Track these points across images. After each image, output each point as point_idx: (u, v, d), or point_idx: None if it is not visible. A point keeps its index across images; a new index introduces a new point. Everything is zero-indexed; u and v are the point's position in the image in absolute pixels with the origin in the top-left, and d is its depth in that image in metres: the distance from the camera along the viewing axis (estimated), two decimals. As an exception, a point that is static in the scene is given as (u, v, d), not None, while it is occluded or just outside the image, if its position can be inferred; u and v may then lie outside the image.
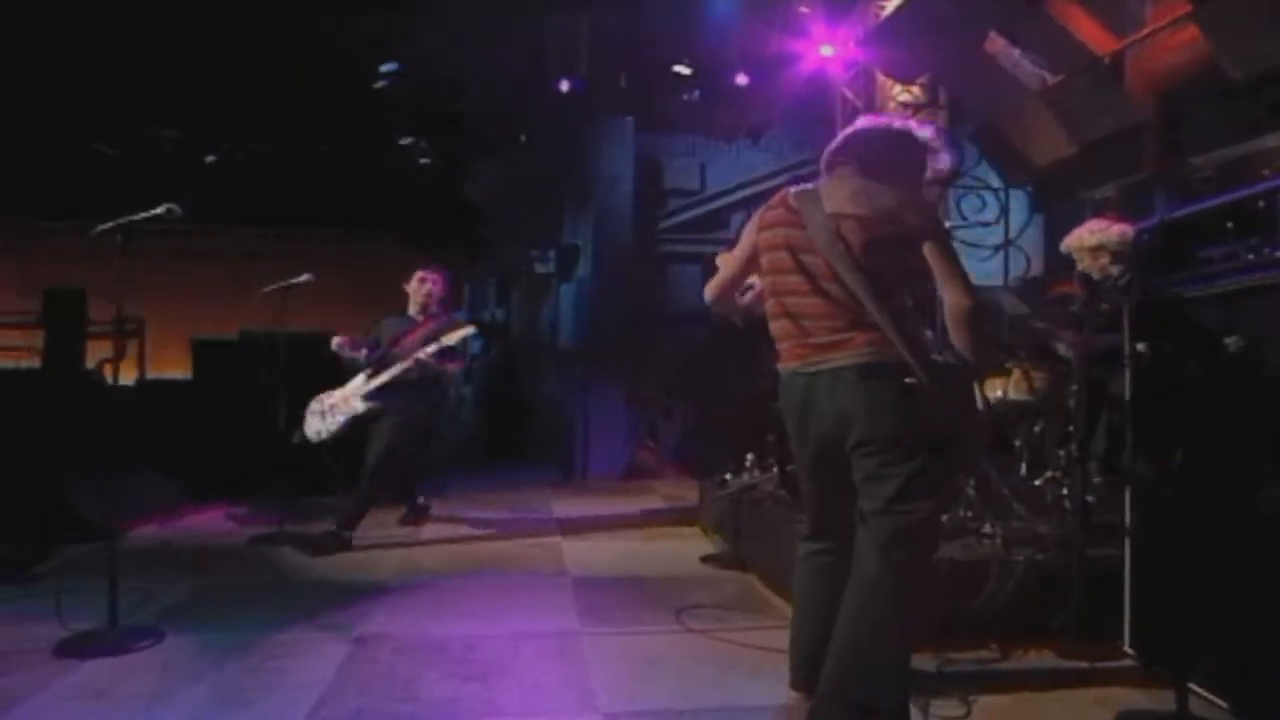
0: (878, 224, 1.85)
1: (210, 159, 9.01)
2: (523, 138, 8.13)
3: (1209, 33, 3.78)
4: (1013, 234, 5.44)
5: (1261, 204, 2.01)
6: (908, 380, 1.77)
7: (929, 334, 2.40)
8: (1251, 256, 2.03)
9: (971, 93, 5.65)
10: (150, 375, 6.67)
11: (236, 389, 5.37)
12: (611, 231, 7.08)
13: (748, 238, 2.08)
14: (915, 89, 5.91)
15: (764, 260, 2.02)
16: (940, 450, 1.80)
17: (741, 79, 6.27)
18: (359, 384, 4.16)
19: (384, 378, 4.03)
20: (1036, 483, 3.15)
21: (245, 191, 9.11)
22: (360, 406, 4.07)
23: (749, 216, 3.28)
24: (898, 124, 1.98)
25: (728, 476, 4.23)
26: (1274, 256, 1.96)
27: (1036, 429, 3.23)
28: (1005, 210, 5.47)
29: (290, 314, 4.09)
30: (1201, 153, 4.40)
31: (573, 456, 6.91)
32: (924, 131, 1.98)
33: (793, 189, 2.00)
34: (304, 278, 4.06)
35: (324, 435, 4.09)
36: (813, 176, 2.10)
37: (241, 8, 6.36)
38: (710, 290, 2.20)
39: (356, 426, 4.08)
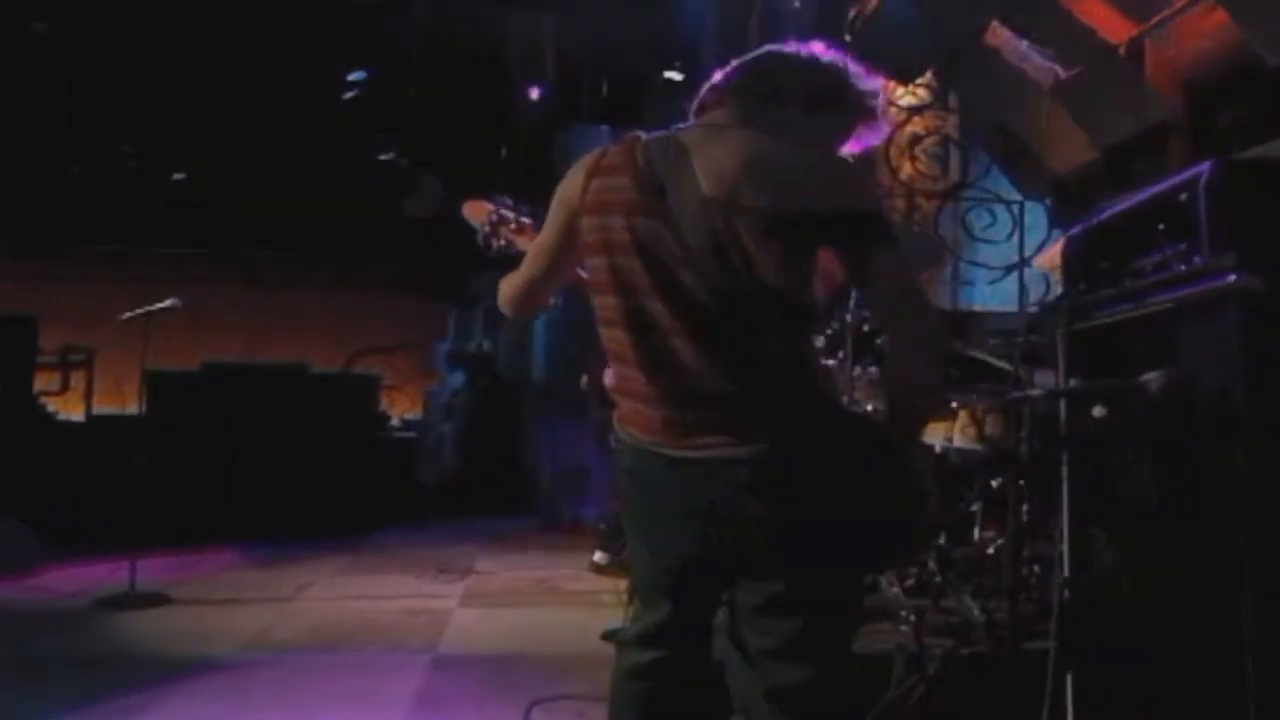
0: (790, 216, 1.29)
1: (178, 177, 9.19)
2: (504, 151, 8.12)
3: (1237, 15, 3.47)
4: (1028, 251, 5.06)
5: (1184, 197, 1.68)
6: (826, 472, 1.28)
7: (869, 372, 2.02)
8: (1183, 267, 1.70)
9: (978, 92, 5.38)
10: (101, 410, 6.78)
11: (192, 425, 5.46)
12: None
13: (561, 215, 1.50)
14: (920, 90, 5.67)
15: (588, 264, 1.45)
16: (870, 553, 1.38)
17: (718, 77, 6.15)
18: None
19: None
20: (989, 550, 2.78)
21: (211, 214, 9.26)
22: None
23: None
24: (828, 54, 1.49)
25: None
26: (1200, 266, 1.62)
27: (995, 483, 2.87)
28: (1020, 225, 5.11)
29: (265, 344, 4.12)
30: (1237, 152, 4.01)
31: (549, 503, 6.73)
32: (871, 83, 1.50)
33: (646, 136, 1.43)
34: (169, 302, 3.98)
35: None
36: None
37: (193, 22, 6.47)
38: (506, 301, 1.66)
39: None
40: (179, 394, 5.55)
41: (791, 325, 1.34)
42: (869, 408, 3.33)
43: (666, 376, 1.34)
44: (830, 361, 3.21)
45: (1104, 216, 2.00)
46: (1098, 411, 1.89)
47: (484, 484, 7.60)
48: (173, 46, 6.71)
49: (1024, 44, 4.93)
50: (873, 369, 3.08)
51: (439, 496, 7.41)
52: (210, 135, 8.09)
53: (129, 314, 4.08)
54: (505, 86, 6.98)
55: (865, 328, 3.04)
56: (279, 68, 7.13)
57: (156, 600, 3.95)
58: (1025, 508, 2.38)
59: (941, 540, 2.77)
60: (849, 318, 2.99)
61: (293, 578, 4.53)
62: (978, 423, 2.85)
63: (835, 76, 1.45)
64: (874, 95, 1.50)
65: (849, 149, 1.54)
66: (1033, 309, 4.68)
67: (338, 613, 3.93)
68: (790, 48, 1.48)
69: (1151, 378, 1.70)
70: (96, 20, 6.34)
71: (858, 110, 1.48)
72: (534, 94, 6.86)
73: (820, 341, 3.15)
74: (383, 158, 8.11)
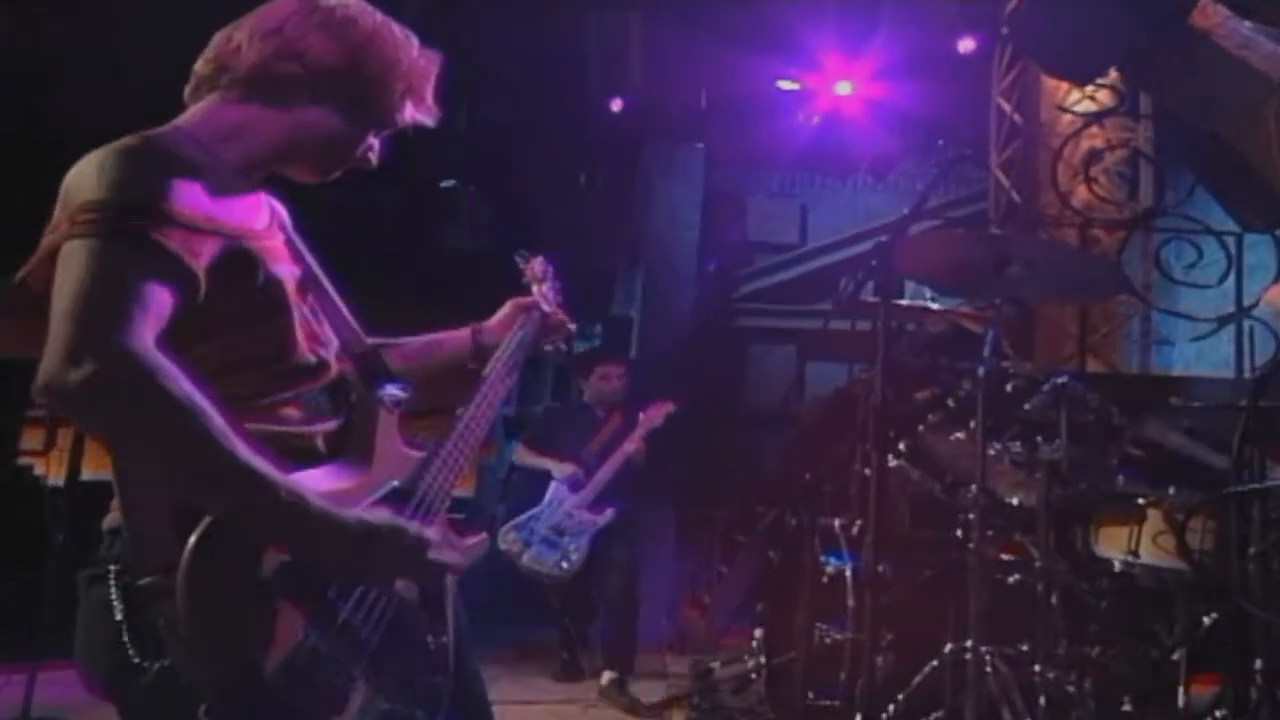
0: None
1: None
2: (583, 178, 8.02)
3: None
4: (1249, 299, 4.65)
5: None
6: (140, 581, 1.16)
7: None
8: None
9: (1181, 92, 4.87)
10: (91, 475, 6.80)
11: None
12: (667, 298, 6.88)
13: None
14: (1100, 93, 5.28)
15: None
16: None
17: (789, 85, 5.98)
18: (563, 496, 4.62)
19: (602, 478, 4.61)
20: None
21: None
22: (594, 519, 4.56)
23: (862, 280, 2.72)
24: None
25: (714, 665, 3.97)
26: None
27: (1206, 619, 2.33)
28: (1237, 264, 4.61)
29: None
30: None
31: (594, 611, 6.28)
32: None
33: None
34: None
35: (570, 565, 4.55)
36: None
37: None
38: None
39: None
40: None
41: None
42: (1014, 501, 2.89)
43: None
44: (957, 435, 2.93)
45: None
46: None
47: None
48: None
49: (1246, 25, 4.46)
50: (1016, 446, 2.76)
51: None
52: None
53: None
54: (581, 98, 6.86)
55: (1009, 386, 2.68)
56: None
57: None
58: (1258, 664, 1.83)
59: (1127, 704, 2.22)
60: (980, 371, 2.60)
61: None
62: (1176, 530, 2.37)
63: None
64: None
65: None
66: (1259, 371, 4.10)
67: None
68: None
69: None
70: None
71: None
72: (616, 106, 6.72)
73: (939, 409, 2.95)
74: (443, 185, 8.09)
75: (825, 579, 3.07)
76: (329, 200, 1.61)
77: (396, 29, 1.43)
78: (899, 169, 6.90)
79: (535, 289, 1.85)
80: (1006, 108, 5.56)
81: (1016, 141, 5.49)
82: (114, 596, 1.19)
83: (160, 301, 1.14)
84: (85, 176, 1.20)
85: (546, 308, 1.81)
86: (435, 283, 7.07)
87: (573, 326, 1.84)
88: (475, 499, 9.17)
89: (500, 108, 6.91)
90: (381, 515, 1.23)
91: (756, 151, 7.05)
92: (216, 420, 1.10)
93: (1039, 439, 2.70)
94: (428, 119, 1.46)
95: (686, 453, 6.54)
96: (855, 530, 3.17)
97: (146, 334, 1.11)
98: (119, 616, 1.18)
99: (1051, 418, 2.65)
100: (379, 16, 1.42)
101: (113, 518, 1.25)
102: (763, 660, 3.50)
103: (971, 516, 2.65)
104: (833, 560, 3.11)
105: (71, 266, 1.13)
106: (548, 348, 1.85)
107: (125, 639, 1.17)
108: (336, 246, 1.67)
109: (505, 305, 1.80)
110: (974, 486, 2.63)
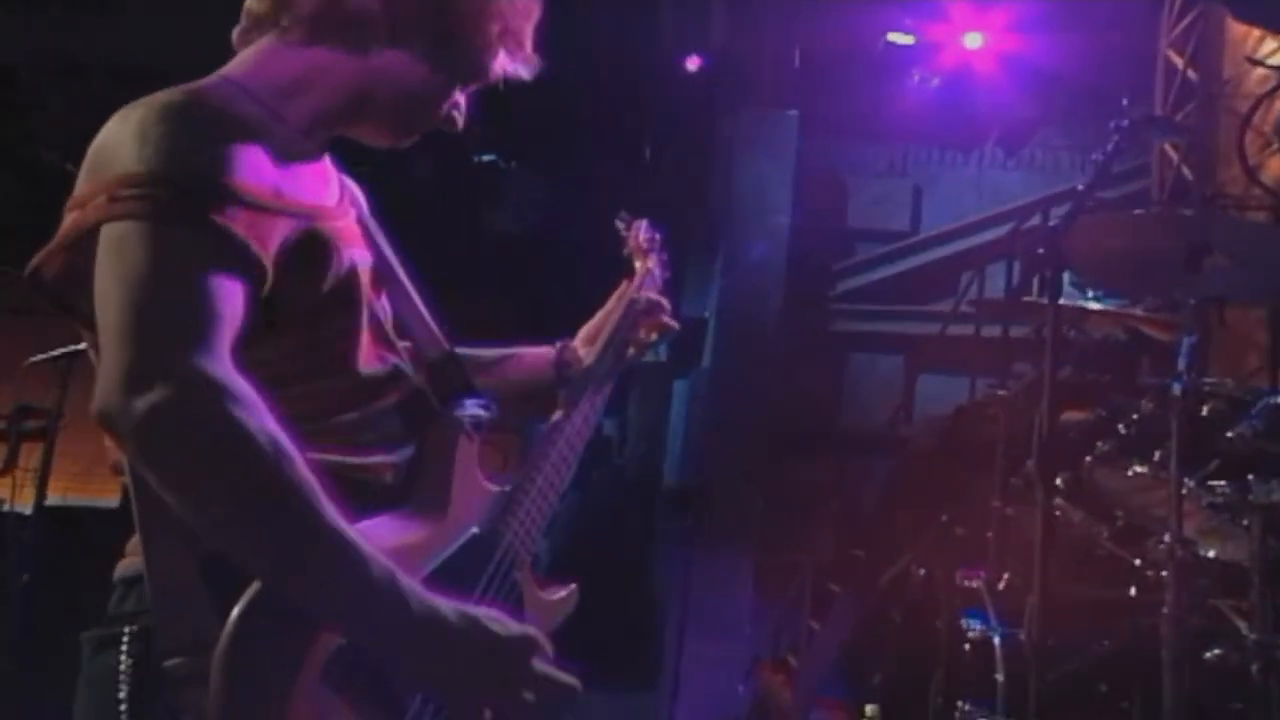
0: None
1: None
2: (648, 151, 8.02)
3: None
4: None
5: None
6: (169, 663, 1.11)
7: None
8: None
9: None
10: (59, 499, 6.86)
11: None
12: (748, 297, 6.78)
13: None
14: None
15: None
16: None
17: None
18: None
19: None
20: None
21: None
22: None
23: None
24: None
25: None
26: None
27: None
28: None
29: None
30: None
31: (657, 676, 6.43)
32: None
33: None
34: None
35: None
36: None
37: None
38: None
39: None
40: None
41: None
42: (1210, 553, 2.86)
43: None
44: (1136, 469, 2.80)
45: None
46: None
47: (588, 633, 7.23)
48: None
49: None
50: (1221, 485, 2.62)
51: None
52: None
53: (39, 356, 4.16)
54: (650, 55, 6.86)
55: (1204, 409, 2.60)
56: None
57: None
58: None
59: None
60: (1175, 388, 2.48)
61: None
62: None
63: None
64: None
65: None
66: None
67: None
68: None
69: None
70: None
71: None
72: (691, 65, 6.72)
73: (1109, 435, 2.86)
74: (481, 159, 8.14)
75: (966, 646, 2.95)
76: (349, 170, 1.56)
77: None
78: (1037, 140, 6.84)
79: (640, 264, 1.75)
80: (1178, 62, 5.46)
81: (1190, 104, 5.38)
82: (123, 669, 1.14)
83: (233, 305, 1.10)
84: (122, 142, 1.16)
85: (651, 288, 1.70)
86: (473, 271, 7.09)
87: (673, 323, 1.71)
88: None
89: (551, 65, 6.93)
90: (495, 619, 1.15)
91: (861, 120, 7.00)
92: (304, 473, 1.05)
93: (1250, 477, 2.55)
94: (525, 70, 1.43)
95: (768, 485, 6.57)
96: (1002, 586, 3.06)
97: (224, 350, 1.07)
98: (122, 695, 1.13)
99: (1265, 449, 2.50)
100: None
101: (130, 564, 1.21)
102: (882, 744, 3.41)
103: (1164, 574, 2.49)
104: (975, 623, 2.99)
105: (122, 257, 1.09)
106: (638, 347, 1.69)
107: None
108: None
109: (597, 315, 1.71)
110: (1167, 536, 2.45)
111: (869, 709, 3.72)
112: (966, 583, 3.13)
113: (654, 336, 1.71)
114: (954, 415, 6.03)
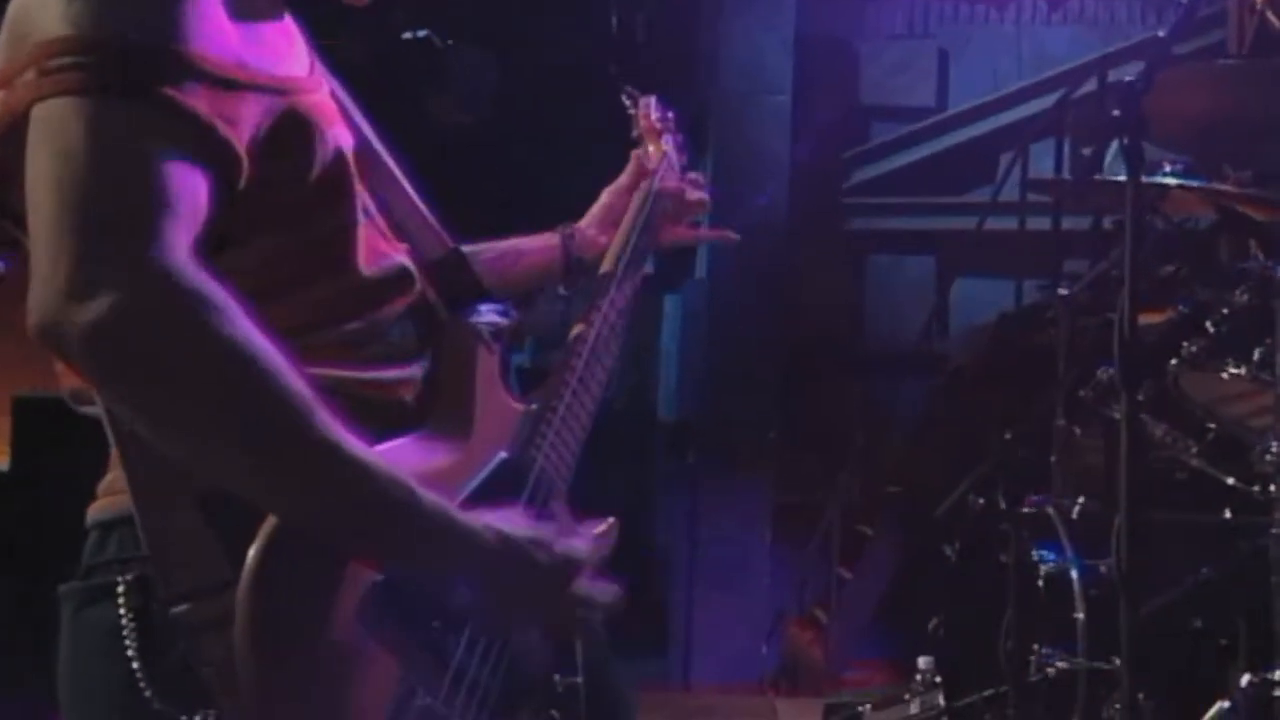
0: None
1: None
2: (614, 20, 7.95)
3: None
4: None
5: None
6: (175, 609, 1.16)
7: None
8: None
9: None
10: None
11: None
12: (746, 193, 6.70)
13: None
14: None
15: None
16: None
17: None
18: None
19: None
20: None
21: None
22: None
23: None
24: None
25: (863, 710, 3.99)
26: None
27: None
28: None
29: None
30: None
31: (666, 639, 6.52)
32: None
33: None
34: None
35: None
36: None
37: None
38: None
39: None
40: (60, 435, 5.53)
41: None
42: None
43: None
44: (1232, 371, 2.88)
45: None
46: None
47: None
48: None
49: None
50: None
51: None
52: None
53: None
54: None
55: None
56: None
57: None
58: None
59: None
60: None
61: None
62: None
63: None
64: None
65: None
66: None
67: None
68: None
69: None
70: None
71: None
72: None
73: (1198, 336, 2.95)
74: (409, 36, 8.05)
75: (1039, 583, 3.05)
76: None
77: None
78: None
79: (651, 147, 1.80)
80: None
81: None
82: (125, 624, 1.17)
83: (194, 194, 1.07)
84: (46, 3, 1.12)
85: (670, 177, 1.76)
86: (417, 169, 7.04)
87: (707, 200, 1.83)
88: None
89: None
90: (527, 530, 1.23)
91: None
92: (294, 380, 1.05)
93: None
94: None
95: (785, 414, 6.55)
96: (1076, 514, 3.14)
97: (182, 244, 1.04)
98: (131, 652, 1.16)
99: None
100: None
101: (105, 505, 1.24)
102: (941, 701, 3.51)
103: (1272, 489, 2.59)
104: (1049, 556, 3.07)
105: (56, 140, 1.06)
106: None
107: (143, 684, 1.15)
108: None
109: (604, 193, 1.79)
110: (1275, 445, 2.55)
111: (922, 661, 3.81)
112: (1035, 511, 3.22)
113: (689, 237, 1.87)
114: (998, 323, 6.08)
